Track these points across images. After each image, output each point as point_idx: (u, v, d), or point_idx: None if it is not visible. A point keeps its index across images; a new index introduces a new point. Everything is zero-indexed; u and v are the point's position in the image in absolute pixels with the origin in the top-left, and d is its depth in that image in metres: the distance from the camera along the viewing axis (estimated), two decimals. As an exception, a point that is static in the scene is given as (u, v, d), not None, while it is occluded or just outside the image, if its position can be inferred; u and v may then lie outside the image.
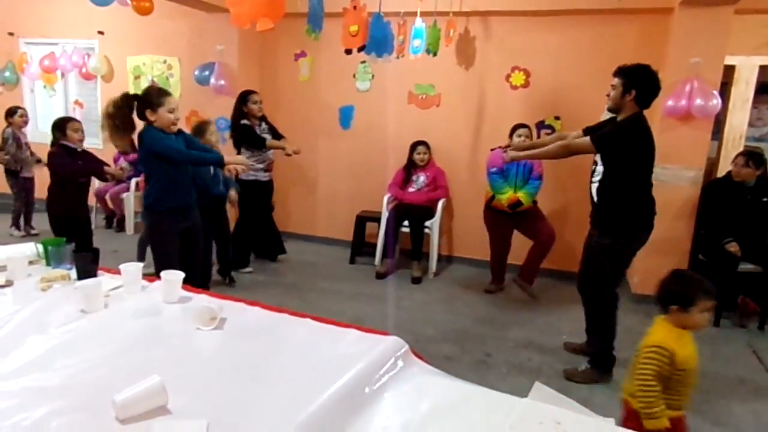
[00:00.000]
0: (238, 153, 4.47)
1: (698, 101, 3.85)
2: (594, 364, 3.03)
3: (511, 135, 4.10)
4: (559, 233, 4.28)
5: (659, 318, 2.05)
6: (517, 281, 4.27)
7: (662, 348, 1.89)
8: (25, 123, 5.48)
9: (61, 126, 3.75)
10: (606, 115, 3.10)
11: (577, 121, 4.03)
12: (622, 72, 2.83)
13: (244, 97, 4.49)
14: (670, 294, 1.98)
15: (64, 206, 3.74)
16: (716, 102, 3.87)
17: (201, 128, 4.01)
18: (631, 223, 2.89)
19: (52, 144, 3.77)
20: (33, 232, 5.55)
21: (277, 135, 4.72)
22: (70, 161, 3.73)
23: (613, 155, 2.84)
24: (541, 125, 4.72)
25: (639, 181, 2.88)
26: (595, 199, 2.99)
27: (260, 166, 4.55)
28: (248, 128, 4.45)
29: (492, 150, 4.15)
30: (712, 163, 4.53)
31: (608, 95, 2.90)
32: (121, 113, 2.81)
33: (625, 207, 2.88)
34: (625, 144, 2.80)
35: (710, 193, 4.05)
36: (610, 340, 3.02)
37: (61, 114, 6.57)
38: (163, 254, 2.96)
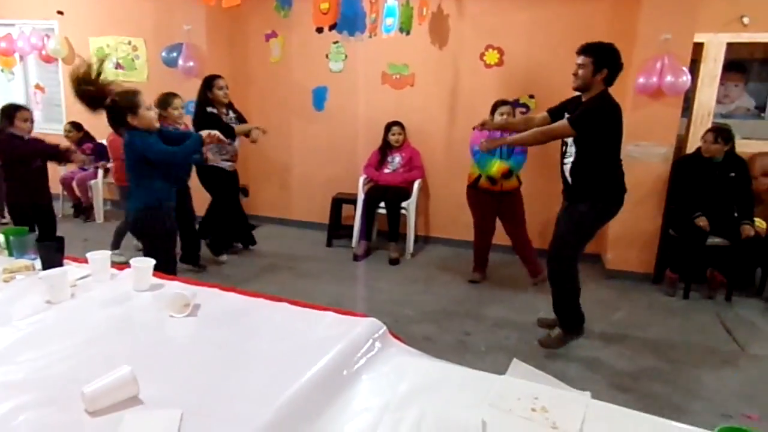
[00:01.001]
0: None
1: (669, 78, 3.89)
2: (564, 326, 3.11)
3: (492, 112, 4.00)
4: (534, 211, 4.31)
5: None
6: (534, 281, 4.19)
7: None
8: None
9: (9, 114, 3.59)
10: None
11: (551, 99, 4.01)
12: (589, 50, 2.81)
13: (208, 83, 4.22)
14: None
15: (23, 193, 3.62)
16: (686, 78, 3.91)
17: (166, 100, 3.84)
18: (605, 196, 2.97)
19: None
20: (3, 221, 5.35)
21: (243, 122, 4.50)
22: (19, 143, 3.59)
23: (588, 135, 2.86)
24: (516, 103, 4.71)
25: (611, 158, 2.94)
26: (569, 180, 3.02)
27: (224, 156, 4.32)
28: (215, 117, 4.16)
29: (474, 129, 4.10)
30: (682, 140, 4.60)
31: (575, 74, 2.87)
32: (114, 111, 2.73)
33: (598, 183, 2.94)
34: (601, 122, 2.83)
35: (680, 169, 4.12)
36: (575, 299, 3.08)
37: (21, 100, 6.33)
38: (165, 250, 2.91)
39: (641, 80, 3.99)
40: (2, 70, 6.32)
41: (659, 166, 4.19)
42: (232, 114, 4.41)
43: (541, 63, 4.58)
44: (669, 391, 2.75)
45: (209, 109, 4.18)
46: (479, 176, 4.09)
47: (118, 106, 2.71)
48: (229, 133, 4.12)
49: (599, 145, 2.87)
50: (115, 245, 4.24)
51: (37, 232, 2.28)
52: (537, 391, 1.38)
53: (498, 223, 4.22)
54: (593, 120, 2.82)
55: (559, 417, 1.27)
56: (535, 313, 3.57)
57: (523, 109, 4.65)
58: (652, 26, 3.99)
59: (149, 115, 2.78)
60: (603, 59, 2.79)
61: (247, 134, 4.39)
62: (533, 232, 4.25)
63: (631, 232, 4.31)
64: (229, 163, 4.41)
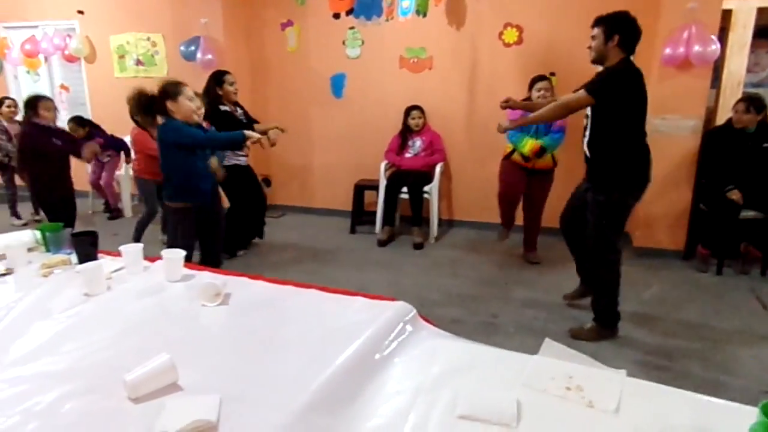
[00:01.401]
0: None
1: (696, 48, 3.77)
2: (599, 322, 3.04)
3: (530, 88, 3.91)
4: (558, 190, 4.24)
5: None
6: (524, 255, 4.26)
7: None
8: (13, 114, 5.30)
9: (33, 104, 3.71)
10: None
11: (573, 75, 3.94)
12: (600, 21, 2.79)
13: (218, 79, 4.10)
14: None
15: (49, 187, 3.78)
16: (715, 47, 3.79)
17: (174, 88, 3.85)
18: (625, 178, 2.83)
19: (23, 122, 3.75)
20: (36, 218, 5.51)
21: (251, 120, 4.31)
22: (47, 139, 3.71)
23: (607, 102, 2.74)
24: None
25: (631, 132, 2.79)
26: (588, 154, 2.93)
27: (241, 152, 4.27)
28: (230, 116, 4.07)
29: (501, 107, 3.99)
30: (711, 111, 4.46)
31: (589, 47, 2.83)
32: (145, 98, 2.79)
33: (618, 160, 2.81)
34: (620, 87, 2.71)
35: (711, 142, 4.01)
36: (614, 296, 3.01)
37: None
38: (183, 246, 2.88)
39: (667, 51, 3.87)
40: (28, 72, 6.46)
41: (688, 140, 4.08)
42: (240, 110, 4.29)
43: (562, 39, 4.48)
44: (705, 370, 2.71)
45: (223, 108, 4.06)
46: (513, 151, 4.02)
47: (162, 90, 2.76)
48: (249, 130, 4.04)
49: (619, 113, 2.73)
50: (137, 239, 4.33)
51: (71, 228, 2.32)
52: (571, 370, 1.37)
53: None
54: (611, 84, 2.71)
55: (595, 395, 1.26)
56: (562, 293, 3.54)
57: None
58: (678, -5, 3.86)
59: (189, 104, 2.79)
60: (612, 26, 2.73)
61: (264, 133, 4.34)
62: (554, 212, 4.18)
63: (659, 208, 4.23)
64: (245, 158, 4.37)
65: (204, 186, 2.98)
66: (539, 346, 1.54)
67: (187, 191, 2.91)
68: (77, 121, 5.36)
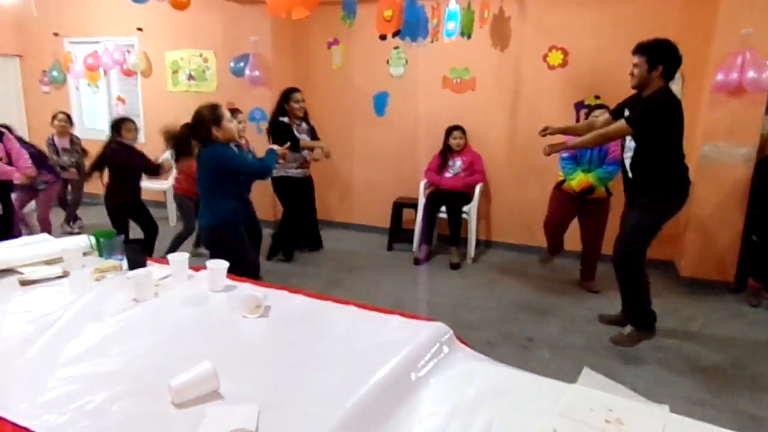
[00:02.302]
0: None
1: (751, 74, 3.65)
2: (637, 325, 3.09)
3: (587, 116, 3.93)
4: (614, 219, 4.13)
5: None
6: (582, 284, 4.16)
7: None
8: (64, 128, 5.42)
9: (117, 126, 4.11)
10: None
11: (618, 99, 3.87)
12: (643, 49, 2.85)
13: (286, 95, 4.45)
14: None
15: (122, 196, 4.12)
16: (770, 74, 3.66)
17: (215, 114, 3.92)
18: (668, 189, 2.94)
19: (110, 141, 4.08)
20: (80, 225, 5.76)
21: (314, 136, 4.67)
22: (126, 153, 4.08)
23: (647, 132, 2.87)
24: (580, 105, 4.58)
25: (672, 152, 2.92)
26: (630, 174, 3.04)
27: (292, 164, 4.50)
28: (286, 127, 4.37)
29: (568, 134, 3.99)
30: (765, 139, 4.29)
31: (631, 74, 2.91)
32: (181, 141, 2.95)
33: (659, 177, 2.94)
34: (659, 119, 2.83)
35: (764, 171, 3.85)
36: (645, 295, 3.05)
37: (104, 111, 6.83)
38: (243, 265, 2.90)
39: (719, 77, 3.77)
40: (88, 84, 6.82)
41: (740, 168, 3.94)
42: (305, 125, 4.60)
43: (608, 62, 4.42)
44: (753, 408, 2.58)
45: (281, 118, 4.39)
46: (564, 180, 3.97)
47: (203, 118, 2.83)
48: (295, 144, 4.21)
49: (658, 140, 2.87)
50: (171, 251, 4.44)
51: (123, 235, 2.43)
52: (611, 401, 1.34)
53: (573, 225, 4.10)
54: (650, 117, 2.83)
55: (635, 430, 1.23)
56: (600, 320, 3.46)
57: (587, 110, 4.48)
58: (731, 20, 3.78)
59: (232, 126, 2.90)
60: (657, 56, 2.81)
61: (311, 149, 4.55)
62: (608, 238, 4.07)
63: (708, 237, 4.08)
64: (300, 170, 4.60)
65: (239, 205, 3.06)
66: (576, 373, 1.51)
67: (236, 209, 3.00)
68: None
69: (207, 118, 2.83)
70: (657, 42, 2.84)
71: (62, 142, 5.45)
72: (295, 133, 4.41)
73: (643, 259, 3.04)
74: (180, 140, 2.95)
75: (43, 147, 5.30)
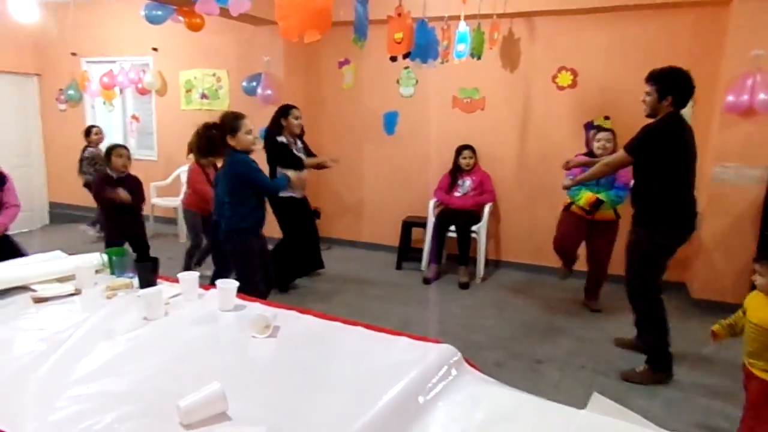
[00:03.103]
0: (272, 171, 4.15)
1: (762, 96, 3.66)
2: (652, 364, 2.97)
3: (591, 140, 3.98)
4: (621, 241, 4.11)
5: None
6: (584, 302, 4.15)
7: None
8: (100, 140, 5.82)
9: (108, 153, 4.02)
10: None
11: (628, 120, 3.90)
12: (655, 79, 2.84)
13: (285, 111, 4.25)
14: None
15: (116, 232, 4.02)
16: (781, 96, 3.66)
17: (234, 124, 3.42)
18: (661, 219, 2.88)
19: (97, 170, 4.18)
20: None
21: (310, 154, 4.49)
22: (103, 190, 3.95)
23: (645, 159, 2.85)
24: (589, 126, 4.59)
25: (675, 182, 2.85)
26: (632, 201, 3.03)
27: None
28: (285, 148, 4.19)
29: (575, 156, 4.03)
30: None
31: (644, 101, 2.91)
32: (204, 140, 3.03)
33: (657, 204, 2.88)
34: (657, 145, 2.80)
35: (776, 192, 3.83)
36: (663, 335, 2.95)
37: (119, 129, 6.95)
38: (251, 273, 3.04)
39: (730, 98, 3.78)
40: (104, 103, 6.95)
41: (752, 189, 3.91)
42: (300, 143, 4.42)
43: (617, 83, 4.45)
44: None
45: (279, 139, 4.18)
46: (571, 203, 3.97)
47: (222, 123, 2.98)
48: (299, 164, 4.15)
49: (658, 168, 2.83)
50: (187, 267, 4.48)
51: (135, 254, 2.47)
52: (621, 429, 1.32)
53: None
54: (649, 143, 2.82)
55: (645, 458, 1.22)
56: (610, 342, 3.42)
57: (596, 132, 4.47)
58: (741, 42, 3.79)
59: (248, 138, 3.02)
60: (667, 86, 2.80)
61: (317, 167, 4.48)
62: (615, 262, 4.05)
63: (720, 258, 4.04)
64: (299, 191, 4.43)
65: (264, 212, 3.16)
66: (586, 397, 1.50)
67: (253, 216, 3.09)
68: None
69: (226, 125, 2.99)
70: (669, 71, 2.81)
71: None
72: (294, 152, 4.27)
73: (656, 290, 2.93)
74: (201, 138, 3.03)
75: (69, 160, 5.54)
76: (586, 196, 3.82)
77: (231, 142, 3.00)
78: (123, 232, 4.03)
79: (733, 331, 2.34)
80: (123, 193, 3.91)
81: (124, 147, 4.12)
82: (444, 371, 1.58)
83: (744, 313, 2.28)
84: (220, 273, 3.34)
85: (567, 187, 3.45)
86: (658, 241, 2.89)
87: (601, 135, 3.85)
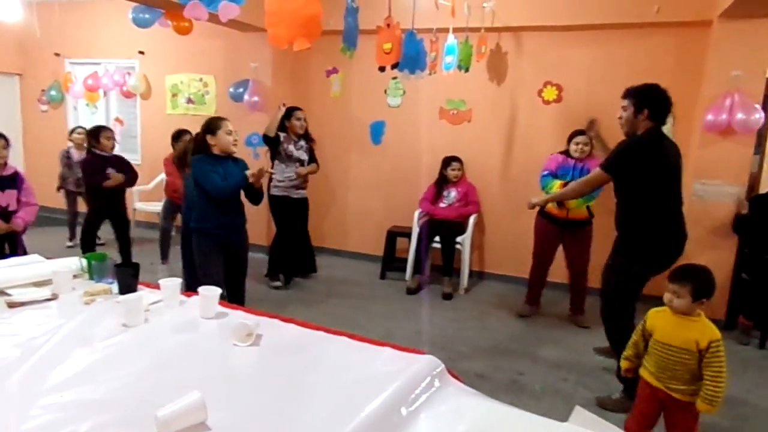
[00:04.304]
0: (272, 167, 4.53)
1: (740, 115, 3.75)
2: (627, 392, 2.87)
3: (569, 141, 3.97)
4: (597, 248, 4.18)
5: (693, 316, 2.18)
6: (571, 318, 4.13)
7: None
8: (81, 142, 5.57)
9: (94, 134, 4.38)
10: None
11: (611, 135, 3.94)
12: (630, 94, 2.82)
13: (289, 112, 4.55)
14: (711, 287, 2.19)
15: (100, 212, 4.49)
16: (759, 116, 3.75)
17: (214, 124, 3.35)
18: (638, 246, 2.78)
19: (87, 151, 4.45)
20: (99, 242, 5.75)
21: (312, 155, 4.74)
22: (97, 175, 4.34)
23: (623, 176, 2.77)
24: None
25: (658, 203, 2.73)
26: (615, 225, 2.93)
27: (293, 183, 4.57)
28: (275, 141, 4.46)
29: (551, 155, 4.06)
30: (754, 178, 4.38)
31: (620, 118, 2.85)
32: (199, 146, 3.16)
33: (635, 229, 2.78)
34: (634, 161, 2.71)
35: (754, 209, 3.91)
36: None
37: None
38: (207, 274, 3.09)
39: (709, 117, 3.86)
40: (87, 104, 6.86)
41: (730, 207, 3.99)
42: (303, 143, 4.65)
43: (601, 99, 4.50)
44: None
45: (279, 133, 4.49)
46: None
47: (205, 125, 3.08)
48: (275, 156, 4.56)
49: (640, 186, 2.71)
50: (163, 253, 4.86)
51: (114, 259, 2.43)
52: (602, 442, 1.33)
53: (559, 257, 4.11)
54: (625, 160, 2.74)
55: (626, 472, 1.22)
56: (592, 354, 3.44)
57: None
58: (720, 63, 3.89)
59: (227, 138, 3.05)
60: (641, 100, 2.76)
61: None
62: (595, 271, 4.11)
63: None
64: (298, 190, 4.65)
65: (225, 218, 3.15)
66: (567, 410, 1.50)
67: (208, 216, 3.12)
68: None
69: (208, 124, 3.07)
70: (644, 87, 2.80)
71: (79, 156, 5.50)
72: (291, 148, 4.54)
73: (627, 316, 2.84)
74: (197, 144, 3.18)
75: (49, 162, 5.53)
76: (557, 184, 3.86)
77: (210, 141, 3.05)
78: (107, 210, 4.46)
79: (638, 355, 2.31)
80: (117, 176, 4.40)
81: (110, 129, 4.49)
82: (427, 382, 1.57)
83: (648, 333, 2.22)
84: (188, 269, 3.68)
85: (533, 206, 3.35)
86: (636, 271, 2.79)
87: (579, 138, 3.90)
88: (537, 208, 3.77)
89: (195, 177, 3.08)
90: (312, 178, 4.90)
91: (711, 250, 4.00)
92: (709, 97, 3.91)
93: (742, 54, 3.83)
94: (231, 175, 3.10)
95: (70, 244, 5.74)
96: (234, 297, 3.22)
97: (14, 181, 3.52)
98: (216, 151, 3.08)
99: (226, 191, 3.09)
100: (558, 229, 4.00)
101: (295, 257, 4.83)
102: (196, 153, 3.13)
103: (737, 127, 3.80)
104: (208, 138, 3.05)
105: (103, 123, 6.83)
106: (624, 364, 2.38)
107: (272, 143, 4.48)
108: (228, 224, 3.16)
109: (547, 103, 4.77)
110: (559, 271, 4.22)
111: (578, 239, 3.99)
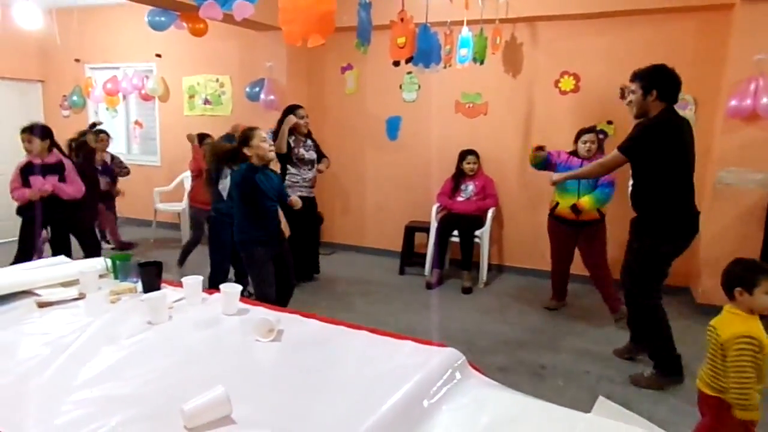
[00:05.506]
0: (283, 170, 4.46)
1: (765, 100, 3.65)
2: (660, 368, 2.92)
3: (576, 140, 3.92)
4: (612, 242, 4.13)
5: (727, 307, 2.08)
6: (616, 318, 3.93)
7: (752, 337, 1.89)
8: (105, 146, 5.61)
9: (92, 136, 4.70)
10: None
11: (630, 125, 3.88)
12: (637, 76, 2.82)
13: (289, 112, 4.45)
14: (733, 277, 2.04)
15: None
16: (784, 100, 3.66)
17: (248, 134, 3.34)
18: (659, 225, 2.82)
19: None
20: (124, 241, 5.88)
21: (320, 152, 4.73)
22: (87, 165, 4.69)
23: (641, 158, 2.79)
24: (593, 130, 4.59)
25: (676, 182, 2.78)
26: (631, 203, 2.96)
27: (307, 183, 4.56)
28: (285, 154, 4.38)
29: (561, 150, 4.02)
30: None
31: (629, 103, 2.86)
32: (230, 152, 3.17)
33: (654, 209, 2.82)
34: (652, 143, 2.73)
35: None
36: (667, 339, 2.92)
37: (122, 135, 6.98)
38: (259, 281, 3.10)
39: (733, 103, 3.77)
40: (107, 108, 6.98)
41: (756, 193, 3.90)
42: (310, 142, 4.63)
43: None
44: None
45: (288, 140, 4.39)
46: (557, 204, 3.97)
47: (240, 137, 3.05)
48: (287, 160, 4.48)
49: (657, 167, 2.75)
50: (181, 261, 4.82)
51: (138, 259, 2.48)
52: (627, 432, 1.32)
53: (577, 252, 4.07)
54: (643, 141, 2.75)
55: (652, 461, 1.21)
56: (614, 345, 3.41)
57: (601, 135, 4.49)
58: (744, 47, 3.79)
59: (263, 146, 3.00)
60: (650, 81, 2.76)
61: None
62: (614, 261, 4.06)
63: (724, 262, 3.99)
64: (310, 189, 4.64)
65: (271, 225, 3.15)
66: (590, 402, 1.50)
67: (257, 226, 3.09)
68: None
69: (241, 135, 3.04)
70: (650, 68, 2.80)
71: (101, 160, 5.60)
72: (302, 151, 4.51)
73: (653, 299, 2.88)
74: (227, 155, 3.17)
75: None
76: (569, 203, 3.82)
77: (248, 152, 2.97)
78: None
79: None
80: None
81: (104, 131, 4.84)
82: (448, 375, 1.58)
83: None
84: (239, 276, 3.86)
85: (555, 183, 3.41)
86: (666, 250, 2.83)
87: (586, 137, 3.85)
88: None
89: (248, 189, 2.96)
90: (329, 175, 4.92)
91: (736, 235, 3.92)
92: (733, 82, 3.82)
93: (765, 37, 3.73)
94: (272, 180, 3.14)
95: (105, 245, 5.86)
96: (285, 297, 3.24)
97: (57, 168, 4.12)
98: (255, 161, 3.00)
99: (285, 195, 3.21)
100: (571, 229, 3.95)
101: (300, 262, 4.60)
102: (225, 163, 3.16)
103: (762, 112, 3.70)
104: (245, 150, 2.98)
105: (123, 125, 6.99)
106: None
107: (285, 156, 4.41)
108: (274, 229, 3.18)
109: (564, 93, 4.71)
110: (579, 263, 4.17)
111: (592, 237, 3.93)
